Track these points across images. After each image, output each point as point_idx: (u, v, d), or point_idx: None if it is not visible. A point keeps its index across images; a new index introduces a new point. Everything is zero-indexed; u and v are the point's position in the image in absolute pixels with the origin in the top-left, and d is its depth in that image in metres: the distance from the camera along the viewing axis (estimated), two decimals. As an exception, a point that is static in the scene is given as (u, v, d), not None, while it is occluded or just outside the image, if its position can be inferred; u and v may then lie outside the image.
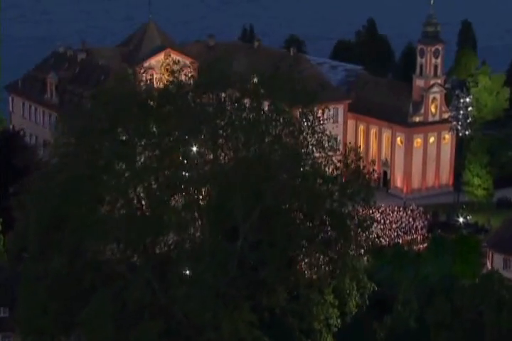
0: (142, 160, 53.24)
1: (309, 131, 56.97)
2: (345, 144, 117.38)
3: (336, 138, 61.08)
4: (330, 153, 57.28)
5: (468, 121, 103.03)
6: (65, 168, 53.62)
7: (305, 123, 56.27)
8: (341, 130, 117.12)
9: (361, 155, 60.36)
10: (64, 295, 53.08)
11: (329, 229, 56.02)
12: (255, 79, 60.05)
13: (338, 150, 58.30)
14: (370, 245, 59.05)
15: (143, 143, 53.97)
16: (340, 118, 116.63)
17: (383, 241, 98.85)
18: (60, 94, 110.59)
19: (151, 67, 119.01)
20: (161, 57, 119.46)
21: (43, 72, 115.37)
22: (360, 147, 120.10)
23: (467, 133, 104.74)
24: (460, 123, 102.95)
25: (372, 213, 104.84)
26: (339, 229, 55.68)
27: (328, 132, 57.34)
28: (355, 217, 57.20)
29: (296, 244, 53.85)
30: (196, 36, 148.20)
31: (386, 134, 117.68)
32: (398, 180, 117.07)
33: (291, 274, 54.56)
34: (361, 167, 57.86)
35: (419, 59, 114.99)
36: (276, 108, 56.43)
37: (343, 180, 56.88)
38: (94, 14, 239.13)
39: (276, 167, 53.54)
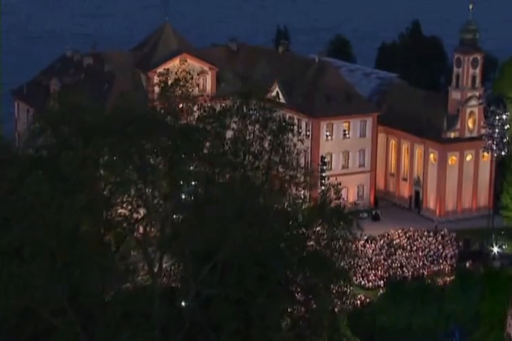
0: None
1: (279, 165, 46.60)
2: (374, 160, 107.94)
3: (312, 172, 50.89)
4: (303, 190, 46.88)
5: (505, 140, 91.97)
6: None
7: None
8: (369, 145, 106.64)
9: (340, 193, 49.38)
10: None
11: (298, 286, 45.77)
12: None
13: (322, 185, 47.61)
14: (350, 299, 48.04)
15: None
16: (368, 132, 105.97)
17: (406, 271, 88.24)
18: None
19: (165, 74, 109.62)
20: (176, 62, 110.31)
21: (47, 77, 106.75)
22: (391, 163, 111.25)
23: (503, 153, 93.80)
24: (495, 142, 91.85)
25: (391, 243, 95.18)
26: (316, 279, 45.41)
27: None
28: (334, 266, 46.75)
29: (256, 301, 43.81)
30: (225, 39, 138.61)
31: (418, 150, 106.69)
32: (431, 201, 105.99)
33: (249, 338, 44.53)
34: (342, 207, 47.40)
35: (455, 69, 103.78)
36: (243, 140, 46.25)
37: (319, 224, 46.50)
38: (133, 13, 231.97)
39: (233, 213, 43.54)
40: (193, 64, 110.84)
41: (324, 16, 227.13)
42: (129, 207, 43.04)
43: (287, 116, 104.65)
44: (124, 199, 42.94)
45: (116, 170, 42.61)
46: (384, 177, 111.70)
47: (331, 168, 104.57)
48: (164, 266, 45.03)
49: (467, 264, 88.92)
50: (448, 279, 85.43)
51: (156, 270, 43.48)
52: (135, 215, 43.73)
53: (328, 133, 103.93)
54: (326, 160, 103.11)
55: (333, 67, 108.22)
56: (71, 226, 40.71)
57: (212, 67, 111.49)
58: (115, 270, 42.75)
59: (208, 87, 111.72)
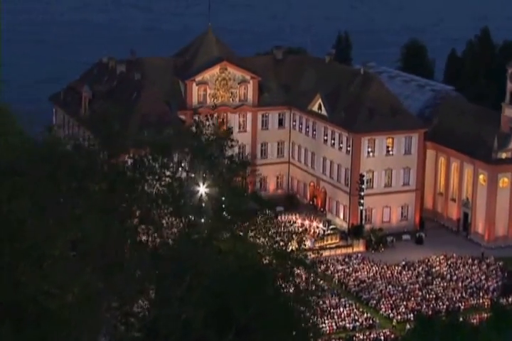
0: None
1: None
2: (420, 179, 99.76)
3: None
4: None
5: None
6: None
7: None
8: (415, 162, 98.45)
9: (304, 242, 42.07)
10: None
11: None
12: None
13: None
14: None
15: None
16: (414, 149, 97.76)
17: (441, 303, 80.00)
18: (92, 110, 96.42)
19: (204, 82, 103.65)
20: (216, 70, 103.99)
21: (82, 84, 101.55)
22: (440, 182, 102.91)
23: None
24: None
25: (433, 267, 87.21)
26: None
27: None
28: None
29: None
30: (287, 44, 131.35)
31: (468, 170, 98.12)
32: (480, 225, 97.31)
33: None
34: (305, 259, 40.14)
35: (509, 84, 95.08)
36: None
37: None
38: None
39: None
40: (234, 72, 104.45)
41: (385, 21, 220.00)
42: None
43: (328, 130, 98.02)
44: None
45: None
46: (433, 196, 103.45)
47: (372, 187, 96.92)
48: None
49: (509, 300, 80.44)
50: (485, 316, 76.97)
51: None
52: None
53: (369, 150, 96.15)
54: (366, 178, 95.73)
55: (379, 79, 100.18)
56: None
57: (254, 76, 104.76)
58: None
59: (250, 97, 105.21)
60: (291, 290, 39.20)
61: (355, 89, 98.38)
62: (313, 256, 49.77)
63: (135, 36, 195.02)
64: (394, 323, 76.69)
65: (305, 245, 42.89)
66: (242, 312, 35.55)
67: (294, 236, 40.77)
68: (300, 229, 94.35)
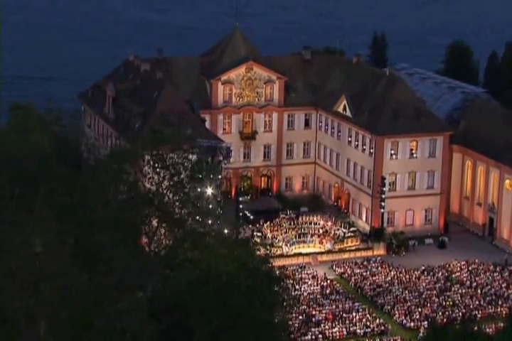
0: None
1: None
2: (444, 182, 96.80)
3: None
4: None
5: None
6: None
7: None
8: (439, 165, 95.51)
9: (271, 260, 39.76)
10: None
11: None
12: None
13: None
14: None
15: None
16: (439, 152, 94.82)
17: (457, 311, 77.06)
18: (116, 109, 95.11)
19: (229, 81, 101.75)
20: (241, 70, 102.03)
21: (107, 82, 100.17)
22: (466, 185, 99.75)
23: None
24: None
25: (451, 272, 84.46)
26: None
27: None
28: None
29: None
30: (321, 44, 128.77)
31: (494, 174, 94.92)
32: (505, 230, 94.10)
33: None
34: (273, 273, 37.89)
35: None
36: None
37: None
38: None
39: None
40: (260, 72, 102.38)
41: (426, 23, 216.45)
42: None
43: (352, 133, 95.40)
44: None
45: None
46: (459, 200, 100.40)
47: (395, 189, 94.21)
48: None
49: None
50: (502, 325, 73.90)
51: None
52: None
53: (392, 152, 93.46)
54: (388, 180, 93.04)
55: (403, 81, 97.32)
56: None
57: (281, 76, 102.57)
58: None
59: (275, 97, 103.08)
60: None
61: (380, 90, 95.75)
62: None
63: (181, 35, 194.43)
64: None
65: (271, 258, 40.61)
66: (204, 327, 33.60)
67: (260, 248, 38.63)
68: (320, 231, 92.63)
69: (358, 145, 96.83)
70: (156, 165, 39.28)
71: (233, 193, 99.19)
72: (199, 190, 39.63)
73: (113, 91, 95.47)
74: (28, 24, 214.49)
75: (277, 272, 39.50)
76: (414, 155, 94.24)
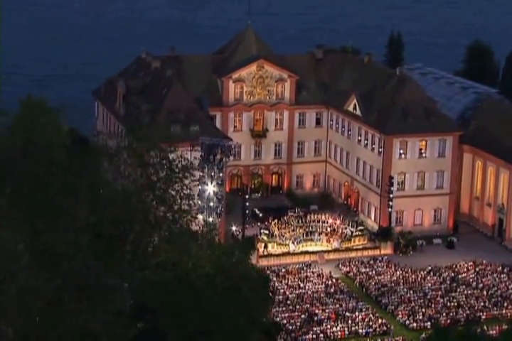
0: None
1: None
2: (454, 182, 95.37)
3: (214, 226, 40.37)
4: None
5: None
6: None
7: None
8: (449, 165, 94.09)
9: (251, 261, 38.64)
10: None
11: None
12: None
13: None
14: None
15: None
16: (448, 152, 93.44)
17: (461, 312, 75.72)
18: (126, 105, 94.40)
19: (240, 79, 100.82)
20: (253, 68, 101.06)
21: (119, 79, 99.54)
22: (476, 186, 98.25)
23: None
24: None
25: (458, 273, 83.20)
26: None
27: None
28: None
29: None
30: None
31: (504, 175, 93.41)
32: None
33: None
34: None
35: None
36: None
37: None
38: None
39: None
40: (271, 70, 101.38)
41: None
42: None
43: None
44: None
45: None
46: (469, 200, 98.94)
47: (403, 189, 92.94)
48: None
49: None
50: (506, 327, 72.43)
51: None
52: None
53: (401, 152, 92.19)
54: (397, 180, 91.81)
55: (414, 81, 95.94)
56: None
57: (292, 74, 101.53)
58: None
59: (287, 95, 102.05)
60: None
61: (390, 90, 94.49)
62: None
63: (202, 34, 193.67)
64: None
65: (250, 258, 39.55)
66: (179, 331, 32.57)
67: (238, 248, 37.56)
68: (328, 229, 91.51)
69: (367, 144, 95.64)
70: (132, 162, 38.30)
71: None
72: (178, 189, 38.32)
73: (123, 88, 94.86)
74: (59, 21, 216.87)
75: (256, 272, 38.40)
76: (424, 154, 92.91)
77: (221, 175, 74.10)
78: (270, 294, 44.42)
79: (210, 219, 68.43)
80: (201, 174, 73.39)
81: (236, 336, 34.51)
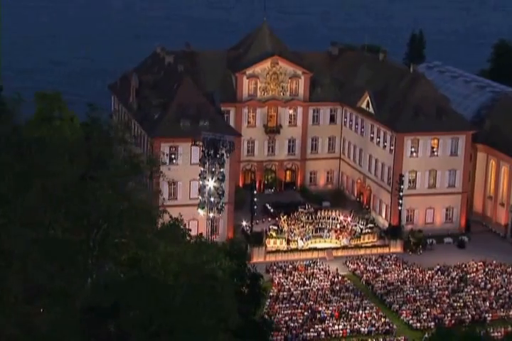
0: None
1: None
2: (466, 181, 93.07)
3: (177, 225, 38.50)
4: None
5: None
6: None
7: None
8: (461, 164, 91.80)
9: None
10: None
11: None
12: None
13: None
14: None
15: None
16: (461, 151, 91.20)
17: (467, 313, 73.54)
18: (139, 100, 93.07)
19: (254, 75, 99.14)
20: (267, 64, 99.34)
21: (134, 73, 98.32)
22: (490, 185, 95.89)
23: None
24: None
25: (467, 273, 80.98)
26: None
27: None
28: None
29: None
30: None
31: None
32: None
33: None
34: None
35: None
36: None
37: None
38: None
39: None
40: (285, 67, 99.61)
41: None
42: None
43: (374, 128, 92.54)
44: None
45: None
46: (482, 199, 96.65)
47: (414, 187, 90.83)
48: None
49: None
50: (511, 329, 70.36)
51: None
52: None
53: (413, 150, 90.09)
54: (408, 178, 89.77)
55: (427, 79, 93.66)
56: None
57: (306, 71, 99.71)
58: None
59: (301, 91, 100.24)
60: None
61: (402, 88, 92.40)
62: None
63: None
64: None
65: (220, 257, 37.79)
66: (141, 331, 31.01)
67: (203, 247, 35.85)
68: (338, 226, 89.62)
69: (379, 141, 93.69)
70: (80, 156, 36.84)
71: (257, 186, 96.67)
72: (134, 185, 36.75)
73: (137, 82, 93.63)
74: (97, 18, 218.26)
75: (221, 273, 36.52)
76: (436, 153, 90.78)
77: (222, 170, 72.53)
78: (263, 292, 42.63)
79: (211, 215, 67.22)
80: (202, 169, 72.02)
81: (200, 335, 32.95)
